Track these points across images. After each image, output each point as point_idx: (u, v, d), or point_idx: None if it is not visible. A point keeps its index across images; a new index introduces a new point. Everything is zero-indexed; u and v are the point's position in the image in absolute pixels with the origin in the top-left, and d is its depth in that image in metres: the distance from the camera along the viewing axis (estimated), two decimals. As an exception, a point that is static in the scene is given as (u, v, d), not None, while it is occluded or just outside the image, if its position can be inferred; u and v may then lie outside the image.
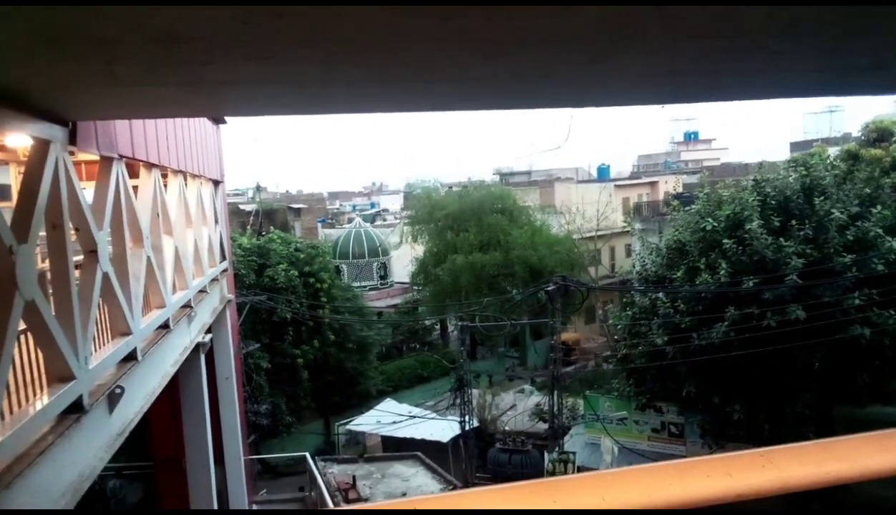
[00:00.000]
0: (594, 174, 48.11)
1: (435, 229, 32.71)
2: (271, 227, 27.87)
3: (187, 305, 8.82)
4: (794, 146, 30.05)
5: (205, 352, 9.80)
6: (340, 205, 56.70)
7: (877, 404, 15.48)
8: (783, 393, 15.60)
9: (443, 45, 2.26)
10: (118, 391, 5.48)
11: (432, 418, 23.14)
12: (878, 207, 16.05)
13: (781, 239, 15.47)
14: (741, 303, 15.34)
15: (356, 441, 24.58)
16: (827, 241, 15.44)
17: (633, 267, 22.41)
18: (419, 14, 1.89)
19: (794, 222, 15.82)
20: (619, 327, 19.35)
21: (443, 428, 21.70)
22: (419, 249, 33.73)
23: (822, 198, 16.09)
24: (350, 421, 23.87)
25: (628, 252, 34.02)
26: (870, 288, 14.84)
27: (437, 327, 34.97)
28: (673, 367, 16.64)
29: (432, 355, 31.01)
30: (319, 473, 16.17)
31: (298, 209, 39.78)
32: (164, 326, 7.47)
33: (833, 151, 22.18)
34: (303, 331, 22.30)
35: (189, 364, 8.96)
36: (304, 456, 17.15)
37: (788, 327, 14.81)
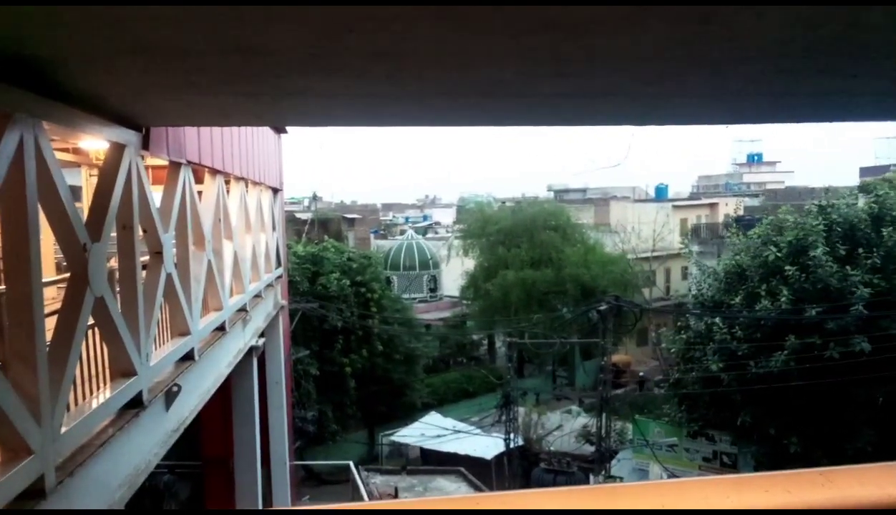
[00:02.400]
0: (652, 193, 47.31)
1: (486, 244, 32.68)
2: (325, 236, 28.31)
3: (243, 309, 9.03)
4: (865, 171, 28.94)
5: (257, 356, 10.00)
6: (393, 216, 57.21)
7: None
8: (843, 428, 14.97)
9: (511, 63, 2.28)
10: (175, 389, 5.64)
11: (477, 434, 23.01)
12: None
13: (847, 267, 14.91)
14: (802, 332, 14.83)
15: (399, 452, 24.61)
16: (896, 272, 14.83)
17: (689, 290, 21.91)
18: (488, 32, 1.91)
19: (860, 250, 15.24)
20: (672, 351, 18.92)
21: (487, 445, 21.55)
22: (470, 263, 33.72)
23: (891, 227, 15.46)
24: (394, 433, 23.93)
25: (684, 274, 33.27)
26: (941, 323, 14.16)
27: (485, 342, 34.83)
28: (728, 395, 16.17)
29: (479, 370, 30.89)
30: (362, 482, 16.24)
31: (352, 219, 40.36)
32: (221, 328, 7.67)
33: (905, 178, 21.29)
34: (352, 340, 22.53)
35: (242, 366, 9.15)
36: (348, 465, 17.27)
37: (852, 359, 14.24)
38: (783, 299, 15.24)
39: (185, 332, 6.18)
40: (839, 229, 15.90)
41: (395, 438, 23.97)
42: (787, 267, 15.45)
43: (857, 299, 14.40)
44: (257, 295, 10.29)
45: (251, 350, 9.58)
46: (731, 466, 18.19)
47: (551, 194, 45.85)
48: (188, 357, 6.25)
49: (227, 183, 8.64)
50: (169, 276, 5.61)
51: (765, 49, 2.27)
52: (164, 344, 5.96)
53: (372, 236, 42.62)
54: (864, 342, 14.11)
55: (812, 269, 15.17)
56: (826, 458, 15.18)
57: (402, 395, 24.82)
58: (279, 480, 12.58)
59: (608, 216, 37.55)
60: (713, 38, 2.09)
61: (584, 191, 47.10)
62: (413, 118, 3.60)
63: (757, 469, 16.96)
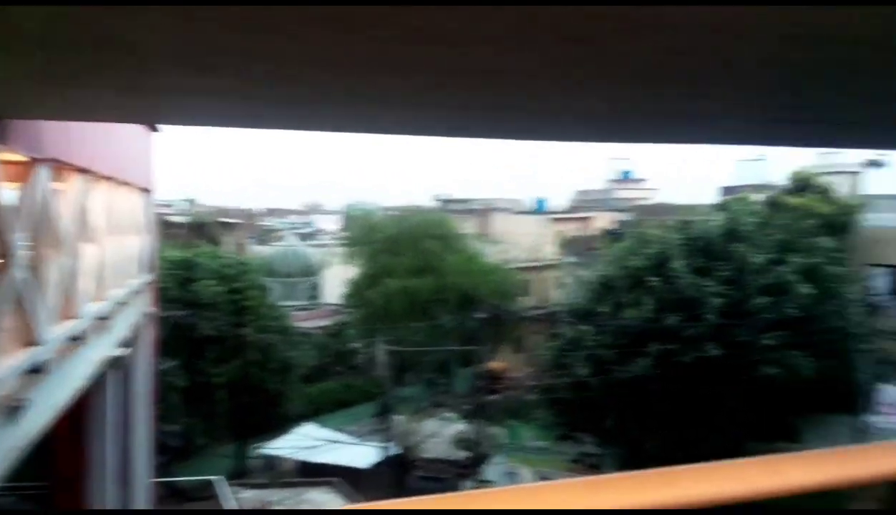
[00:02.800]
0: (532, 206, 48.99)
1: (370, 252, 32.50)
2: (200, 241, 27.06)
3: (104, 317, 8.42)
4: (725, 190, 31.43)
5: (119, 367, 9.36)
6: (275, 222, 55.69)
7: (785, 441, 16.17)
8: (698, 429, 16.12)
9: (395, 72, 2.26)
10: (21, 403, 5.15)
11: (353, 443, 22.74)
12: (795, 254, 16.94)
13: (703, 279, 16.11)
14: (663, 339, 15.84)
15: (272, 465, 23.86)
16: (745, 283, 16.17)
17: (563, 299, 22.86)
18: (375, 40, 1.89)
19: (716, 264, 16.52)
20: (544, 358, 19.65)
21: (363, 454, 21.35)
22: (353, 271, 33.41)
23: (742, 242, 16.88)
24: (267, 445, 23.17)
25: (560, 284, 34.68)
26: (782, 330, 15.59)
27: (366, 351, 34.58)
28: (594, 399, 16.98)
29: (358, 379, 30.60)
30: (230, 498, 15.60)
31: (230, 224, 38.85)
32: (78, 338, 7.10)
33: (758, 198, 23.33)
34: (225, 350, 21.63)
35: (102, 378, 8.53)
36: (215, 480, 16.52)
37: (706, 364, 15.37)
38: (646, 308, 16.22)
39: (33, 342, 5.67)
40: (698, 244, 17.16)
41: (267, 450, 23.21)
42: (650, 278, 16.47)
43: (710, 308, 15.58)
44: (122, 303, 9.63)
45: (113, 360, 8.94)
46: (596, 467, 19.11)
47: (436, 203, 46.37)
48: (39, 368, 5.73)
49: (91, 182, 8.04)
50: (17, 281, 5.13)
51: (636, 72, 2.40)
52: (9, 354, 5.44)
53: (251, 242, 41.23)
54: (716, 348, 15.28)
55: (672, 280, 16.26)
56: (683, 458, 16.27)
57: (276, 406, 24.07)
58: (138, 499, 11.82)
59: (490, 227, 38.48)
60: (589, 59, 2.19)
61: (467, 201, 48.00)
62: (293, 122, 3.51)
63: (619, 469, 17.91)
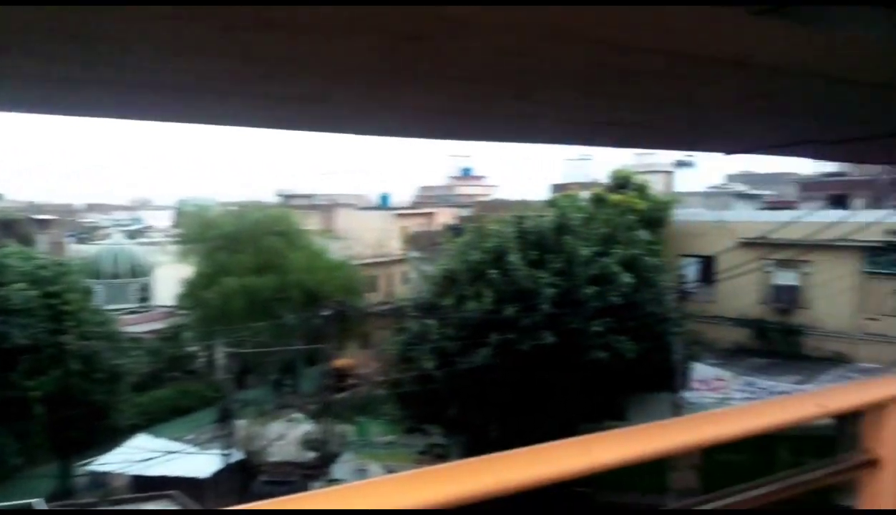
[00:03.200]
0: (376, 201, 49.10)
1: (206, 249, 30.93)
2: (9, 240, 24.33)
3: None
4: (555, 188, 33.45)
5: None
6: (98, 218, 51.34)
7: (612, 420, 17.53)
8: (535, 414, 17.05)
9: (220, 59, 2.17)
10: None
11: (191, 453, 21.59)
12: (617, 246, 18.38)
13: (538, 270, 17.02)
14: (502, 329, 16.56)
15: (100, 482, 22.05)
16: (574, 274, 17.30)
17: (408, 294, 23.17)
18: (199, 25, 1.80)
19: (548, 256, 17.51)
20: (391, 353, 19.82)
21: (203, 464, 20.34)
22: (188, 270, 31.63)
23: (571, 235, 18.03)
24: (94, 461, 21.38)
25: (405, 279, 35.11)
26: (608, 316, 16.87)
27: (204, 354, 32.94)
28: (439, 391, 17.40)
29: (195, 384, 29.11)
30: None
31: (45, 220, 35.26)
32: None
33: (584, 194, 25.05)
34: (41, 360, 19.65)
35: None
36: (34, 503, 15.02)
37: (542, 351, 16.28)
38: (487, 300, 16.87)
39: None
40: (531, 238, 18.10)
41: (94, 467, 21.42)
42: (490, 271, 17.15)
43: (544, 298, 16.51)
44: None
45: None
46: (443, 457, 19.62)
47: (277, 199, 45.05)
48: None
49: None
50: None
51: (467, 73, 2.48)
52: None
53: (70, 240, 37.72)
54: (551, 335, 16.23)
55: (509, 273, 17.04)
56: (522, 441, 17.09)
57: (104, 418, 22.27)
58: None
59: (334, 222, 38.08)
60: (422, 56, 2.23)
61: (310, 196, 47.12)
62: (110, 110, 3.26)
63: (464, 456, 18.48)
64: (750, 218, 24.51)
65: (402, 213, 42.80)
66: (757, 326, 23.08)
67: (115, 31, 1.85)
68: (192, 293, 30.58)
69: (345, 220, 38.03)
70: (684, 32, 2.08)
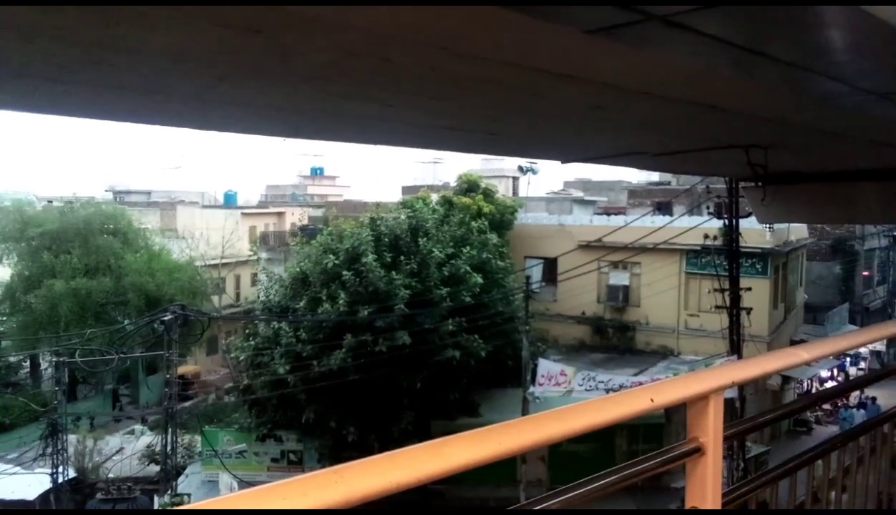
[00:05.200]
0: (221, 200, 46.93)
1: (27, 249, 28.07)
2: None
3: None
4: (406, 189, 33.78)
5: None
6: None
7: (466, 417, 18.00)
8: (391, 413, 17.12)
9: (46, 44, 1.99)
10: None
11: (14, 473, 19.51)
12: (468, 248, 18.89)
13: (393, 272, 17.11)
14: (358, 331, 16.47)
15: None
16: (428, 276, 17.58)
17: (258, 296, 22.39)
18: (16, 11, 1.64)
19: (402, 257, 17.66)
20: (241, 358, 19.06)
21: (29, 484, 18.45)
22: (6, 272, 28.53)
23: (425, 237, 18.30)
24: None
25: (254, 281, 33.88)
26: (460, 316, 17.31)
27: (26, 364, 29.85)
28: (294, 396, 17.00)
29: (17, 397, 26.31)
30: None
31: None
32: None
33: (435, 197, 25.51)
34: None
35: None
36: None
37: (397, 352, 16.39)
38: (341, 302, 16.71)
39: None
40: (386, 239, 18.16)
41: None
42: (345, 273, 17.00)
43: (399, 300, 16.63)
44: None
45: None
46: (298, 462, 19.16)
47: (110, 195, 41.75)
48: None
49: None
50: None
51: (316, 71, 2.45)
52: None
53: None
54: (406, 336, 16.37)
55: (364, 275, 16.99)
56: (378, 442, 17.15)
57: None
58: None
59: (175, 221, 35.94)
60: (266, 51, 2.17)
61: (148, 193, 44.16)
62: None
63: (320, 461, 18.20)
64: (586, 222, 26.22)
65: (250, 212, 41.27)
66: (595, 323, 24.74)
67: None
68: (12, 296, 27.71)
69: (187, 219, 36.00)
70: (519, 45, 2.19)
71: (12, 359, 29.07)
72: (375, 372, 16.25)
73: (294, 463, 19.15)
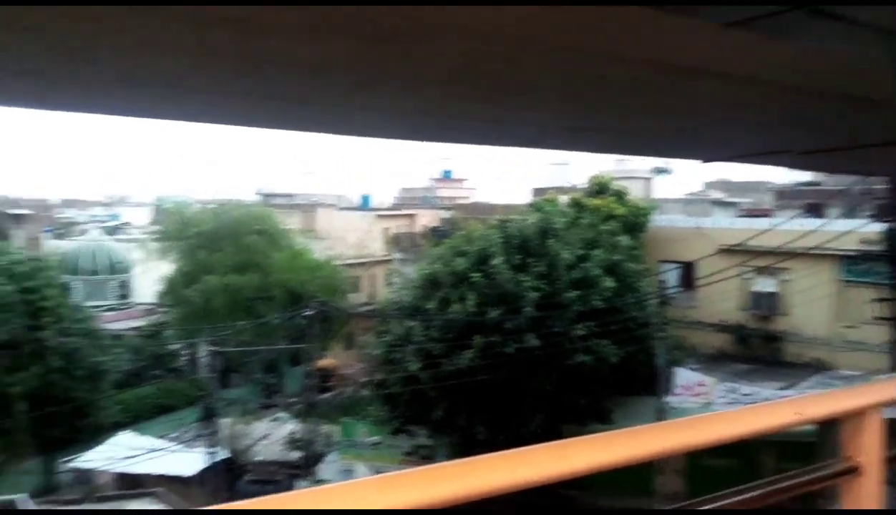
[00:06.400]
0: (357, 202, 48.96)
1: (187, 247, 30.73)
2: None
3: None
4: (536, 191, 33.60)
5: None
6: (74, 214, 50.77)
7: (596, 422, 17.61)
8: (520, 415, 17.09)
9: (193, 56, 2.18)
10: None
11: (175, 451, 21.46)
12: (599, 251, 18.46)
13: (521, 274, 17.07)
14: (486, 332, 16.59)
15: (84, 479, 21.85)
16: (557, 278, 17.37)
17: (391, 296, 23.16)
18: (170, 22, 1.82)
19: (531, 260, 17.57)
20: (375, 354, 19.79)
21: (187, 462, 20.22)
22: (168, 268, 31.42)
23: (554, 240, 18.10)
24: (77, 458, 21.18)
25: (387, 281, 35.06)
26: (591, 320, 16.95)
27: (186, 353, 32.69)
28: (424, 392, 17.39)
29: (179, 382, 28.90)
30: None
31: (20, 215, 34.82)
32: None
33: (564, 199, 25.17)
34: (19, 356, 19.43)
35: None
36: (18, 499, 14.85)
37: (526, 354, 16.33)
38: (470, 303, 16.90)
39: None
40: (515, 242, 18.15)
41: (77, 464, 21.21)
42: (473, 275, 17.18)
43: (527, 302, 16.57)
44: None
45: None
46: (429, 457, 19.61)
47: (258, 198, 44.82)
48: None
49: None
50: None
51: (442, 77, 2.51)
52: None
53: (46, 236, 37.26)
54: (534, 338, 16.28)
55: (493, 276, 17.08)
56: (507, 443, 17.16)
57: (86, 415, 22.09)
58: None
59: (315, 222, 37.93)
60: (396, 58, 2.25)
61: (291, 196, 46.91)
62: (86, 105, 3.25)
63: (451, 457, 18.47)
64: (728, 225, 24.76)
65: (384, 214, 42.70)
66: (737, 332, 23.30)
67: (88, 28, 1.85)
68: (173, 291, 30.40)
69: (326, 220, 37.87)
70: (658, 42, 2.11)
71: (173, 347, 31.94)
72: (504, 373, 16.29)
73: (425, 458, 19.60)
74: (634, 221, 24.10)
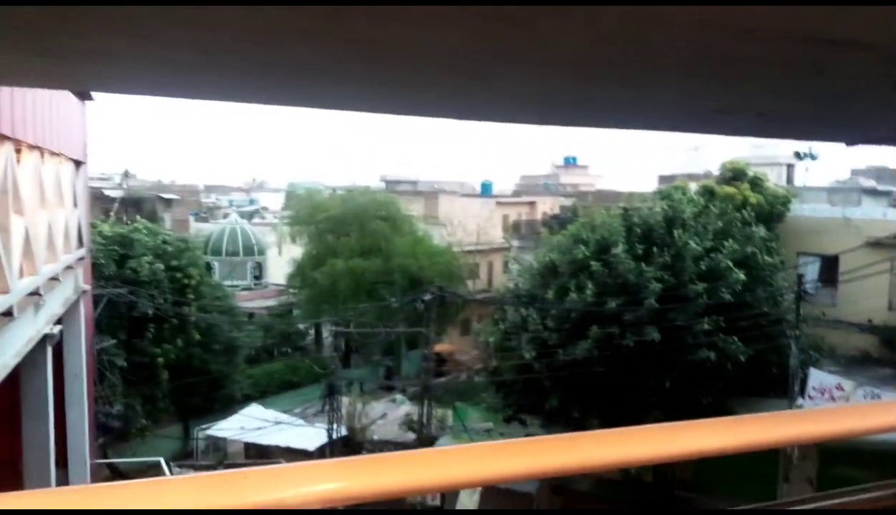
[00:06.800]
0: (478, 189, 49.19)
1: (315, 231, 32.22)
2: (138, 216, 26.30)
3: (35, 292, 8.14)
4: (662, 179, 32.24)
5: (53, 345, 9.07)
6: (217, 199, 54.47)
7: (718, 422, 16.77)
8: (637, 410, 16.61)
9: (320, 45, 2.25)
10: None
11: (299, 425, 22.66)
12: (730, 241, 17.50)
13: (644, 264, 16.52)
14: (604, 323, 16.21)
15: (217, 447, 23.58)
16: (683, 270, 16.65)
17: (509, 283, 23.13)
18: (306, 12, 1.88)
19: (655, 250, 16.95)
20: (490, 341, 19.88)
21: (310, 436, 21.31)
22: (298, 251, 33.08)
23: (681, 229, 17.34)
24: (211, 426, 22.88)
25: (505, 268, 35.06)
26: (717, 315, 16.14)
27: (312, 332, 34.35)
28: (538, 381, 17.29)
29: (304, 360, 30.41)
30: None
31: (170, 199, 37.85)
32: (7, 313, 6.85)
33: (694, 187, 23.99)
34: (165, 329, 21.17)
35: (34, 357, 8.26)
36: (158, 462, 16.24)
37: (645, 347, 15.82)
38: (589, 292, 16.56)
39: (-41, 317, 5.46)
40: (638, 230, 17.56)
41: (211, 432, 22.92)
42: (593, 264, 16.81)
43: (649, 293, 16.00)
44: (53, 278, 9.32)
45: (45, 338, 8.66)
46: (541, 447, 19.48)
47: (383, 184, 46.13)
48: (-37, 345, 5.53)
49: (18, 151, 7.73)
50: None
51: (569, 57, 2.44)
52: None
53: (192, 219, 40.27)
54: (655, 332, 15.72)
55: (614, 266, 16.63)
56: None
57: (221, 387, 23.78)
58: (78, 481, 11.54)
59: (437, 208, 38.53)
60: (521, 41, 2.21)
61: (415, 182, 47.87)
62: (225, 93, 3.46)
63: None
64: (879, 216, 22.62)
65: (504, 201, 42.64)
66: (886, 334, 21.32)
67: (226, 17, 1.96)
68: (302, 273, 31.96)
69: (447, 207, 38.36)
70: (800, 16, 1.94)
71: (301, 327, 33.64)
72: (621, 366, 15.88)
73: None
74: (771, 210, 22.57)
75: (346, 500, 1.12)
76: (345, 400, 22.55)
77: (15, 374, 7.70)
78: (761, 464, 14.95)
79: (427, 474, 1.21)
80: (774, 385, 17.22)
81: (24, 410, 8.83)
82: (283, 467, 1.20)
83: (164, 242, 22.89)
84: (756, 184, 23.35)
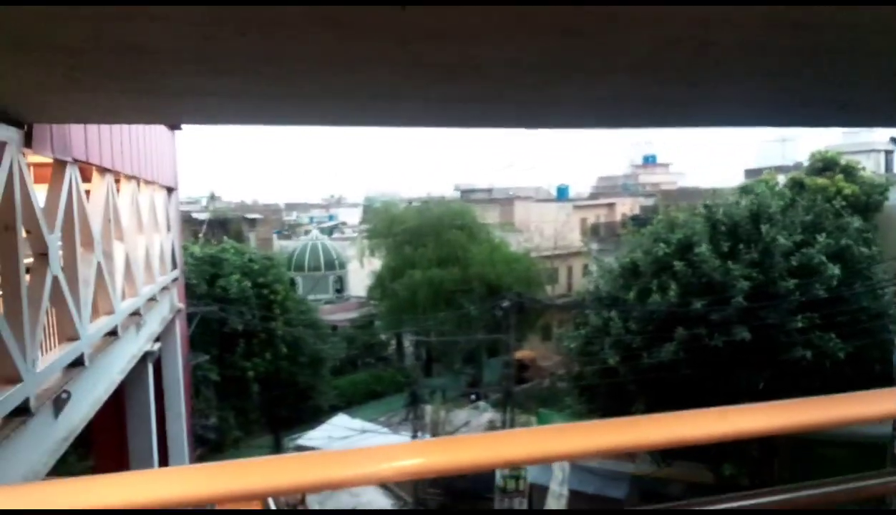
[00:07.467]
0: (554, 193, 48.73)
1: (393, 244, 32.74)
2: (225, 237, 27.53)
3: (136, 313, 8.69)
4: (749, 173, 31.00)
5: (153, 362, 9.64)
6: (298, 216, 56.21)
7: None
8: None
9: (398, 68, 2.37)
10: (64, 396, 5.39)
11: (384, 433, 23.04)
12: (823, 235, 16.66)
13: (729, 262, 15.95)
14: (690, 324, 15.74)
15: (308, 456, 24.21)
16: (772, 266, 15.98)
17: (588, 286, 22.80)
18: (375, 39, 2.00)
19: (741, 246, 16.34)
20: (572, 346, 19.63)
21: (394, 443, 21.59)
22: (377, 263, 33.69)
23: (768, 224, 16.65)
24: (300, 436, 23.58)
25: (585, 272, 34.54)
26: (812, 312, 15.39)
27: (393, 342, 34.87)
28: (623, 385, 16.95)
29: (387, 370, 30.89)
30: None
31: (254, 219, 39.41)
32: (113, 333, 7.36)
33: (782, 179, 22.98)
34: (254, 344, 22.02)
35: (136, 373, 8.81)
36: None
37: (734, 348, 15.25)
38: (672, 293, 16.12)
39: (73, 337, 5.91)
40: (723, 227, 16.98)
41: (301, 441, 23.59)
42: (676, 263, 16.36)
43: (737, 291, 15.43)
44: (152, 299, 9.92)
45: (146, 355, 9.22)
46: (630, 454, 19.07)
47: (458, 194, 46.42)
48: (78, 362, 5.98)
49: (117, 182, 8.29)
50: (55, 279, 5.36)
51: (629, 62, 2.47)
52: (51, 349, 5.68)
53: (275, 236, 41.74)
54: (745, 331, 15.14)
55: (697, 265, 16.13)
56: (714, 443, 16.16)
57: (308, 398, 24.51)
58: (179, 490, 12.12)
59: (513, 215, 38.44)
60: (586, 51, 2.26)
61: (489, 190, 47.95)
62: (305, 118, 3.64)
63: (650, 454, 17.86)
64: None
65: (581, 205, 42.03)
66: None
67: (296, 50, 2.10)
68: (382, 284, 32.49)
69: (523, 213, 38.21)
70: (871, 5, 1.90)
71: (382, 337, 34.22)
72: (710, 368, 15.35)
73: (625, 454, 19.13)
74: (868, 200, 21.33)
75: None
76: (428, 408, 22.77)
77: (120, 390, 8.24)
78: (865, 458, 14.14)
79: (491, 453, 1.31)
80: (876, 382, 16.22)
81: (129, 423, 9.41)
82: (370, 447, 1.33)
83: (251, 260, 23.84)
84: (849, 173, 22.14)
